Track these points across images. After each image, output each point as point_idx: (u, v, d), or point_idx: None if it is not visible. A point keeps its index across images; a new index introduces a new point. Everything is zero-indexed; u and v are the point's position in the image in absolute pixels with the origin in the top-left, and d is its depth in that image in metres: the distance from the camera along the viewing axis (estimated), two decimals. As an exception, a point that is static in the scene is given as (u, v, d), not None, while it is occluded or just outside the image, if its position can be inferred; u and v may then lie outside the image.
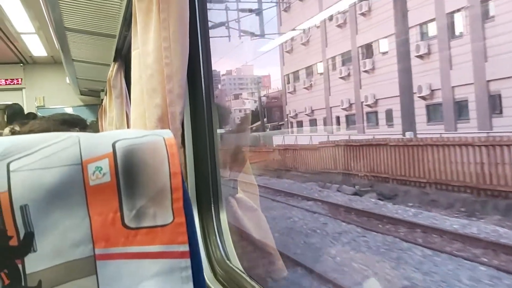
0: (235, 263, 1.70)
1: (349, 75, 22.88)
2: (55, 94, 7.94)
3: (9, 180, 0.57)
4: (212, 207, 1.81)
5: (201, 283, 0.66)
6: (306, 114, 26.53)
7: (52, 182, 0.58)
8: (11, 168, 0.58)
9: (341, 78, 23.43)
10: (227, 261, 1.67)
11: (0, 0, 4.23)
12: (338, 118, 24.16)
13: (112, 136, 0.62)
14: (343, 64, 23.56)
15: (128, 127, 3.74)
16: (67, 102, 8.01)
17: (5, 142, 0.60)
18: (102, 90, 6.06)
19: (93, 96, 7.36)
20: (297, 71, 28.04)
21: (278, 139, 23.80)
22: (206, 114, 1.80)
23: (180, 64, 1.65)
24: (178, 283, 0.61)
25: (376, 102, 20.99)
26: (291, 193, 12.08)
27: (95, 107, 7.87)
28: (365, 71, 21.65)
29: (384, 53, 20.44)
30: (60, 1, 2.80)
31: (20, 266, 0.57)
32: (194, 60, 1.74)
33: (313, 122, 26.32)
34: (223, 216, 1.83)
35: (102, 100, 6.16)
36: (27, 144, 0.60)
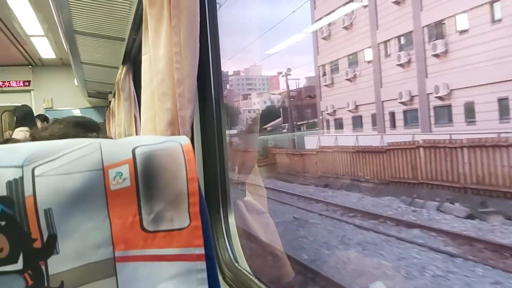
0: (244, 265, 1.72)
1: (409, 62, 18.58)
2: (63, 96, 8.00)
3: (34, 185, 0.59)
4: (221, 210, 1.83)
5: (216, 285, 0.68)
6: (348, 110, 22.19)
7: (74, 186, 0.61)
8: (36, 173, 0.60)
9: (399, 65, 18.95)
10: (236, 264, 1.69)
11: (10, 2, 4.28)
12: (392, 114, 19.59)
13: (132, 142, 0.64)
14: (401, 49, 19.17)
15: (136, 129, 3.77)
16: (75, 104, 8.07)
17: (30, 148, 0.62)
18: (110, 92, 6.09)
19: (101, 98, 7.40)
20: (336, 60, 23.48)
21: (311, 141, 21.11)
22: (215, 118, 1.82)
23: (190, 69, 1.67)
24: (194, 284, 0.63)
25: (450, 94, 16.73)
26: (374, 214, 8.89)
27: (103, 109, 7.92)
28: (435, 55, 17.16)
29: (463, 32, 16.03)
30: (70, 4, 2.83)
31: (43, 267, 0.59)
32: (204, 64, 1.76)
33: (357, 120, 22.10)
34: (232, 219, 1.85)
35: (110, 102, 6.20)
36: (51, 150, 0.62)
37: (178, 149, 0.65)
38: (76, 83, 6.52)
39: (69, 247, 0.61)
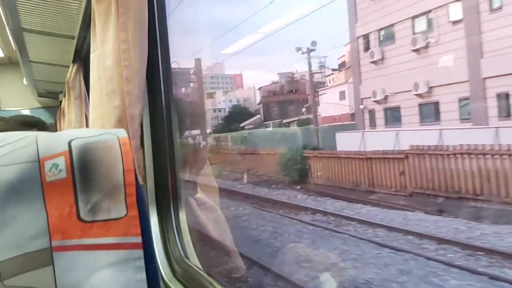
0: (194, 261, 1.73)
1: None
2: (12, 96, 7.73)
3: None
4: (171, 207, 1.84)
5: (155, 272, 0.70)
6: (416, 95, 15.32)
7: (10, 178, 0.61)
8: None
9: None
10: (186, 260, 1.70)
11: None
12: (507, 95, 11.94)
13: (68, 135, 0.66)
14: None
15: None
16: (25, 104, 7.82)
17: None
18: (61, 92, 5.94)
19: (52, 98, 7.21)
20: (391, 26, 16.75)
21: (346, 140, 16.78)
22: (165, 115, 1.82)
23: (139, 66, 1.67)
24: (132, 272, 0.65)
25: None
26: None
27: (54, 109, 7.71)
28: None
29: None
30: (17, 2, 2.76)
31: None
32: (153, 62, 1.77)
33: (428, 108, 15.48)
34: (183, 216, 1.86)
35: (61, 102, 6.05)
36: None
37: (115, 142, 0.67)
38: (25, 82, 6.33)
39: (6, 238, 0.61)
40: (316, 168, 15.35)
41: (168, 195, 1.84)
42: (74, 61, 3.81)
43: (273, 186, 15.71)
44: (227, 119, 45.60)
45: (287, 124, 35.96)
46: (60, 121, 6.04)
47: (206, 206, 2.01)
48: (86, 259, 0.64)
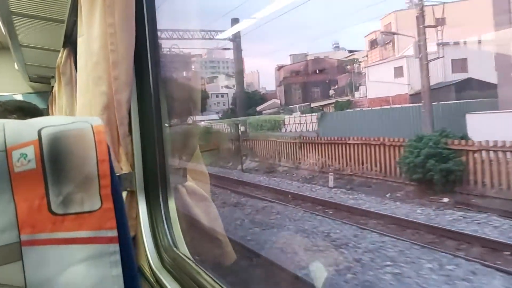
0: (183, 250, 1.71)
1: None
2: (3, 81, 7.64)
3: None
4: (160, 195, 1.81)
5: (131, 267, 0.67)
6: None
7: None
8: None
9: None
10: (175, 249, 1.68)
11: None
12: None
13: (38, 123, 0.62)
14: None
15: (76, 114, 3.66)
16: (16, 89, 7.73)
17: None
18: (53, 77, 5.88)
19: (44, 83, 7.14)
20: None
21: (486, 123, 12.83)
22: (153, 101, 1.79)
23: (126, 51, 1.64)
24: (107, 267, 0.62)
25: None
26: None
27: (46, 94, 7.64)
28: None
29: None
30: (5, -16, 2.70)
31: None
32: (140, 47, 1.73)
33: None
34: (172, 204, 1.84)
35: (53, 87, 5.99)
36: None
37: (88, 130, 0.63)
38: (16, 67, 6.26)
39: None
40: (481, 170, 10.25)
41: (157, 182, 1.81)
42: (64, 46, 3.75)
43: (390, 195, 11.77)
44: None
45: (321, 108, 32.54)
46: (52, 106, 5.98)
47: (196, 195, 1.98)
48: (58, 254, 0.61)
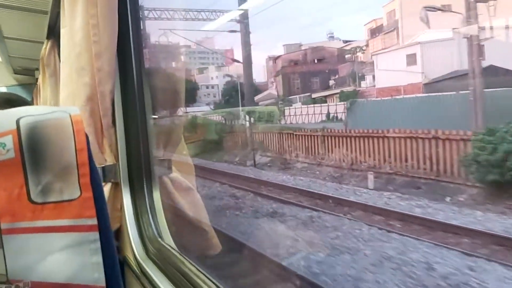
0: (168, 241, 1.72)
1: None
2: None
3: None
4: (145, 186, 1.81)
5: (111, 254, 0.68)
6: None
7: None
8: None
9: None
10: (159, 239, 1.69)
11: None
12: None
13: (17, 113, 0.63)
14: None
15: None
16: (0, 81, 7.65)
17: None
18: (37, 69, 5.82)
19: (28, 75, 7.06)
20: None
21: None
22: (137, 92, 1.79)
23: (108, 42, 1.63)
24: (87, 255, 0.63)
25: None
26: None
27: (31, 86, 7.55)
28: None
29: None
30: (-13, -25, 2.67)
31: None
32: (123, 38, 1.72)
33: None
34: (156, 195, 1.84)
35: (37, 79, 5.93)
36: None
37: (67, 120, 0.64)
38: (0, 59, 6.18)
39: None
40: None
41: (141, 174, 1.81)
42: (48, 37, 3.71)
43: (450, 199, 9.82)
44: (230, 95, 42.97)
45: (323, 99, 31.20)
46: (37, 98, 5.93)
47: (181, 186, 1.99)
48: (38, 242, 0.61)
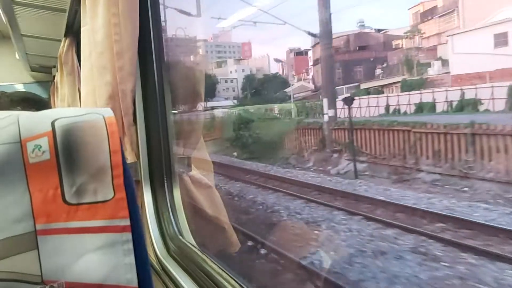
0: (188, 238, 1.73)
1: None
2: (4, 71, 7.64)
3: None
4: (165, 184, 1.82)
5: (143, 255, 0.69)
6: None
7: None
8: None
9: None
10: (180, 237, 1.70)
11: None
12: None
13: (52, 115, 0.63)
14: None
15: (80, 104, 3.67)
16: (18, 79, 7.73)
17: None
18: (54, 67, 5.87)
19: (45, 73, 7.13)
20: None
21: None
22: (158, 90, 1.79)
23: (130, 41, 1.64)
24: (120, 255, 0.64)
25: None
26: None
27: (47, 83, 7.63)
28: None
29: None
30: (6, -27, 2.70)
31: None
32: (144, 36, 1.73)
33: None
34: (177, 193, 1.85)
35: (54, 76, 5.99)
36: None
37: (100, 122, 0.64)
38: (17, 56, 6.24)
39: None
40: None
41: (162, 172, 1.82)
42: (66, 35, 3.74)
43: None
44: (256, 89, 41.12)
45: (380, 89, 27.37)
46: (54, 96, 5.98)
47: (200, 183, 2.00)
48: (72, 242, 0.62)
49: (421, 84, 24.57)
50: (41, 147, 0.60)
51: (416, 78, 26.98)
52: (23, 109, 1.86)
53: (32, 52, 5.56)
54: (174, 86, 1.94)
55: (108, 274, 0.63)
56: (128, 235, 0.64)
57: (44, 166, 0.61)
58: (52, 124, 0.62)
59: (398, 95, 24.20)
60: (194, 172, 1.99)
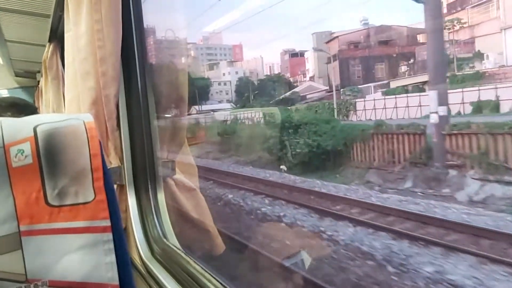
0: (172, 241, 1.75)
1: None
2: None
3: None
4: (150, 188, 1.84)
5: (124, 254, 0.72)
6: None
7: None
8: None
9: None
10: (164, 239, 1.72)
11: None
12: None
13: (34, 121, 0.66)
14: None
15: (65, 109, 3.67)
16: (2, 84, 7.67)
17: None
18: (38, 72, 5.85)
19: (29, 78, 7.08)
20: None
21: None
22: (141, 95, 1.82)
23: (113, 47, 1.66)
24: (101, 255, 0.67)
25: None
26: None
27: (32, 89, 7.58)
28: None
29: None
30: (-11, -20, 2.70)
31: None
32: (128, 42, 1.75)
33: None
34: (161, 196, 1.87)
35: (39, 81, 5.96)
36: None
37: (81, 127, 0.67)
38: (1, 61, 6.20)
39: None
40: None
41: (146, 175, 1.84)
42: (50, 40, 3.74)
43: None
44: (260, 91, 38.85)
45: (421, 86, 23.61)
46: (39, 101, 5.96)
47: (184, 186, 2.02)
48: (55, 243, 0.65)
49: (478, 79, 20.90)
50: (23, 151, 0.63)
51: (470, 72, 23.05)
52: (13, 115, 1.87)
53: (16, 57, 5.54)
54: (157, 90, 1.96)
55: (90, 272, 0.66)
56: (109, 235, 0.67)
57: (27, 170, 0.63)
58: (34, 129, 0.64)
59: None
60: (178, 176, 2.02)
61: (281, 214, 9.73)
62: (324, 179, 13.08)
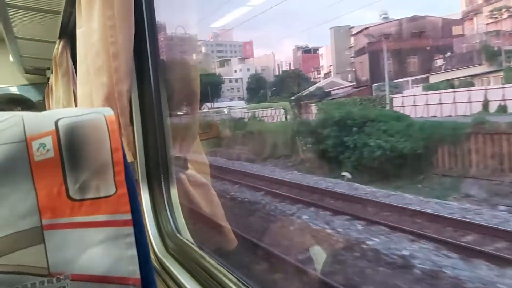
0: (186, 236, 1.76)
1: None
2: None
3: None
4: (163, 183, 1.85)
5: (145, 248, 0.72)
6: None
7: None
8: None
9: None
10: (178, 235, 1.73)
11: None
12: None
13: (55, 115, 0.66)
14: None
15: (75, 106, 3.68)
16: (12, 81, 7.70)
17: None
18: (48, 69, 5.87)
19: (39, 75, 7.12)
20: None
21: None
22: (154, 91, 1.82)
23: (126, 42, 1.66)
24: (122, 248, 0.67)
25: None
26: None
27: (42, 85, 7.61)
28: None
29: None
30: (0, -24, 2.71)
31: None
32: (140, 37, 1.75)
33: None
34: (174, 192, 1.88)
35: (49, 78, 5.99)
36: None
37: (102, 120, 0.67)
38: (11, 59, 6.24)
39: None
40: None
41: (159, 171, 1.84)
42: (60, 37, 3.75)
43: None
44: (278, 87, 38.08)
45: (470, 80, 20.23)
46: (49, 98, 5.99)
47: (197, 182, 2.02)
48: (77, 237, 0.65)
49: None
50: (45, 145, 0.63)
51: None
52: (10, 109, 1.89)
53: (26, 55, 5.56)
54: (169, 85, 1.96)
55: (111, 266, 0.66)
56: (130, 229, 0.67)
57: (49, 164, 0.64)
58: (56, 123, 0.64)
59: (485, 89, 17.82)
60: (191, 171, 2.02)
61: (405, 253, 6.47)
62: (403, 190, 10.28)
